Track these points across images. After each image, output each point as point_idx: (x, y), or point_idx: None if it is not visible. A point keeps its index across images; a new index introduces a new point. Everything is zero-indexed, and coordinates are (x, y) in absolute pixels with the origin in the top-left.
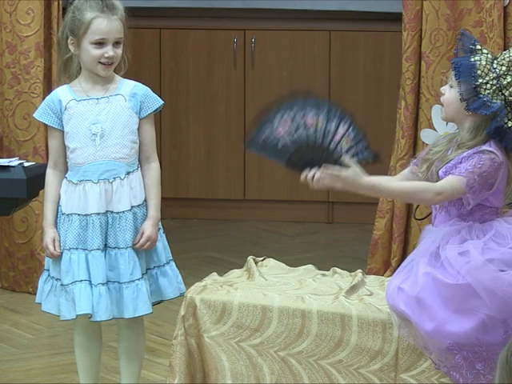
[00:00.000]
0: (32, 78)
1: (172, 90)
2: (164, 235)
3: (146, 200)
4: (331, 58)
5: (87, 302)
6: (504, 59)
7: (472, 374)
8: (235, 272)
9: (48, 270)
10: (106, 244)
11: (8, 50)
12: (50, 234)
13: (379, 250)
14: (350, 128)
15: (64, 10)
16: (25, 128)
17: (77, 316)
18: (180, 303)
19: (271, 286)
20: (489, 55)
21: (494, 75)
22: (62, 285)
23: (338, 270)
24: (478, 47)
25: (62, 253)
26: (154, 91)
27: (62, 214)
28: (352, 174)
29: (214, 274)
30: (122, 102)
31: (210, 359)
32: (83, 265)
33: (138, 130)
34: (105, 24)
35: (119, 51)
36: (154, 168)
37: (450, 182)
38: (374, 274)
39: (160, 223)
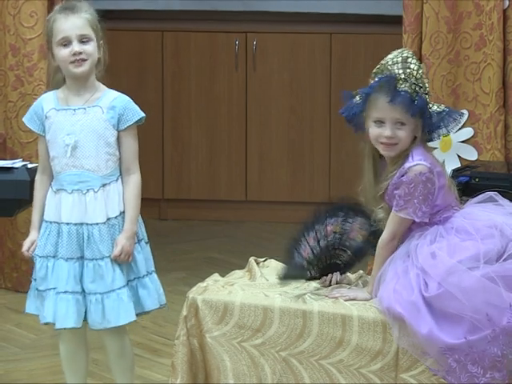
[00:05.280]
0: (35, 81)
1: (174, 92)
2: (147, 246)
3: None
4: (332, 60)
5: (50, 310)
6: (418, 75)
7: (465, 376)
8: (237, 273)
9: None
10: (83, 256)
11: (11, 52)
12: (30, 235)
13: None
14: (365, 224)
15: None
16: (28, 130)
17: (44, 324)
18: (182, 304)
19: (272, 286)
20: (412, 79)
21: (427, 90)
22: (37, 290)
23: None
24: (401, 77)
25: (33, 257)
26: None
27: (44, 221)
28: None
29: (216, 274)
30: (98, 113)
31: (212, 359)
32: (55, 273)
33: (118, 142)
34: (63, 22)
35: (87, 47)
36: (133, 180)
37: (395, 221)
38: None
39: (145, 234)
